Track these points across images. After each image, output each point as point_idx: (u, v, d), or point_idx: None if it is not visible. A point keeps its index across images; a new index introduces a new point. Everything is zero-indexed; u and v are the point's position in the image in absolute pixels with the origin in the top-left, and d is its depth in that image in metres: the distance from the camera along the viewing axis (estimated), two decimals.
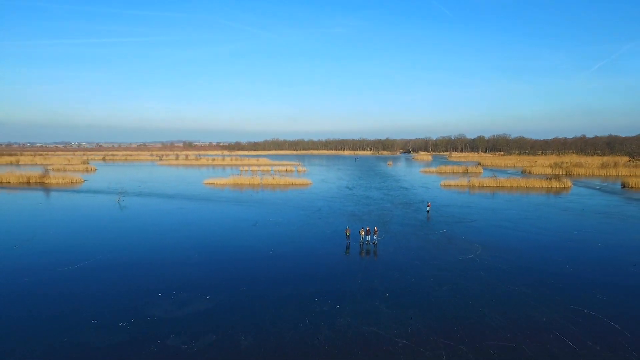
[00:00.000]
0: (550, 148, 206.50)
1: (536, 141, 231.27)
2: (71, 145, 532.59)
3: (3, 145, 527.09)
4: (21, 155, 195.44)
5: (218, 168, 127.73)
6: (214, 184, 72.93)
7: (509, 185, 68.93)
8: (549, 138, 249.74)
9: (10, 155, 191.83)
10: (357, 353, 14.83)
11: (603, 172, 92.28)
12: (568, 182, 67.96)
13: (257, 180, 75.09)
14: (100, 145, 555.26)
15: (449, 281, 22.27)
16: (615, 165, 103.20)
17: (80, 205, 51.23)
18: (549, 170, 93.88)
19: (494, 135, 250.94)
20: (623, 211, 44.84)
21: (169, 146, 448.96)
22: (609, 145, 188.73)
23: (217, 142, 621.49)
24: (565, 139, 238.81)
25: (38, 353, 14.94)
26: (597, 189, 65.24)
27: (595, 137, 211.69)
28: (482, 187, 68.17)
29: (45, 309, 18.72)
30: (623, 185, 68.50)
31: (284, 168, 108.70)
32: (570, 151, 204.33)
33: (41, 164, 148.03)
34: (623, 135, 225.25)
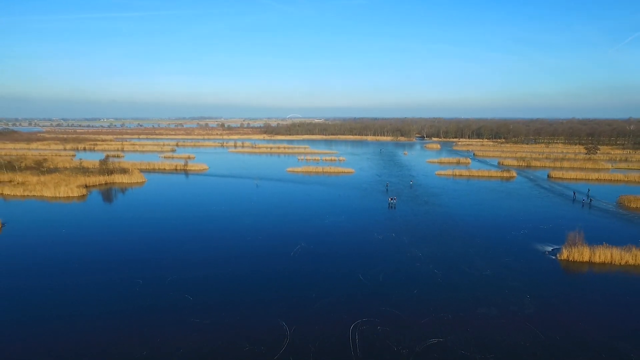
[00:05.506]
0: (541, 135, 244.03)
1: (530, 128, 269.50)
2: (115, 126, 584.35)
3: (54, 125, 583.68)
4: (116, 143, 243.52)
5: (274, 155, 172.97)
6: (294, 171, 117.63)
7: (476, 175, 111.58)
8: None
9: (106, 142, 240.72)
10: (381, 226, 59.36)
11: (551, 164, 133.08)
12: (513, 173, 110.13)
13: (319, 169, 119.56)
14: (141, 125, 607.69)
15: (419, 213, 66.66)
16: (573, 158, 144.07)
17: (241, 186, 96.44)
18: (516, 163, 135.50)
19: (497, 121, 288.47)
20: (522, 193, 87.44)
21: (205, 128, 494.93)
22: (591, 135, 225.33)
23: (247, 121, 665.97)
24: (557, 122, 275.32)
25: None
26: (530, 179, 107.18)
27: (581, 123, 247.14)
28: (460, 175, 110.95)
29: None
30: (548, 176, 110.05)
31: (328, 157, 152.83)
32: (558, 140, 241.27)
33: (141, 151, 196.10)
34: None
